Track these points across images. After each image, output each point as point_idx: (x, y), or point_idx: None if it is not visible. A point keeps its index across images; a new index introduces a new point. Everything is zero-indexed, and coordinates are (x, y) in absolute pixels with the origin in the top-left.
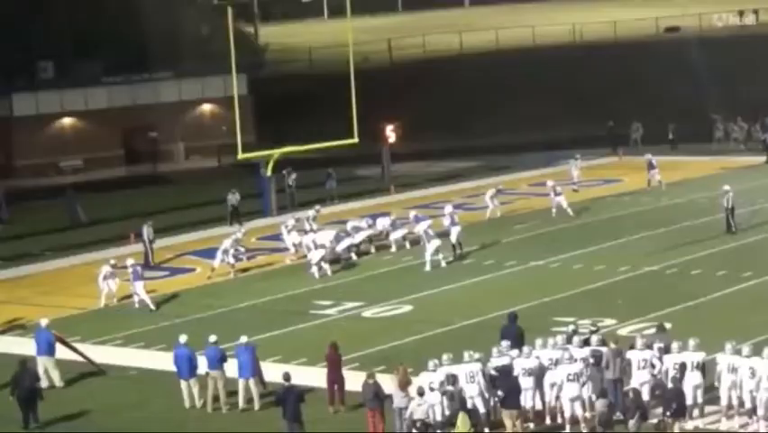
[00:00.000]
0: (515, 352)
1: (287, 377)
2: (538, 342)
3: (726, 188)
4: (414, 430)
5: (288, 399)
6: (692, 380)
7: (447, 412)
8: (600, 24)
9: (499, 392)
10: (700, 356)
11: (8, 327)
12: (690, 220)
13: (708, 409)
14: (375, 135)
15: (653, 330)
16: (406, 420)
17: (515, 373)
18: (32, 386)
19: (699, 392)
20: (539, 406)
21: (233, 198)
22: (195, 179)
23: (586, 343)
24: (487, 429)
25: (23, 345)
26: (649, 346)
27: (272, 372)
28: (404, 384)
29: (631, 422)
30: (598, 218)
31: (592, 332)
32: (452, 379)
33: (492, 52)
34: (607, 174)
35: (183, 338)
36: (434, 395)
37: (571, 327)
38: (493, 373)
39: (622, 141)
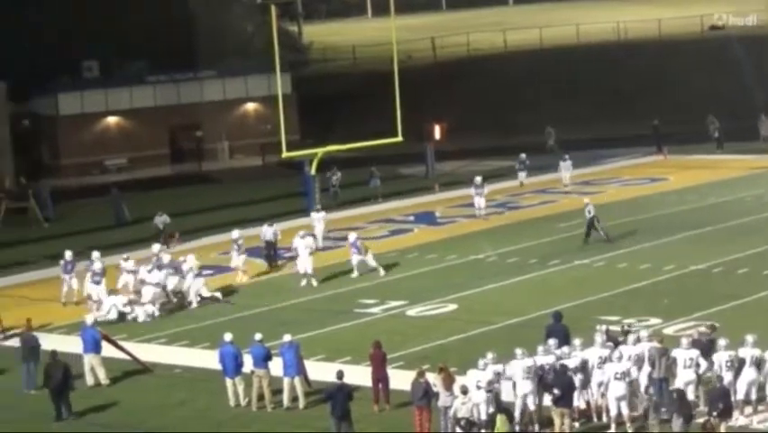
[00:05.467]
0: (560, 351)
1: (340, 375)
2: (577, 342)
3: (586, 201)
4: (458, 429)
5: (338, 396)
6: (748, 376)
7: (491, 411)
8: (644, 23)
9: (555, 391)
10: (758, 352)
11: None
12: (736, 219)
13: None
14: (419, 134)
15: (703, 328)
16: (450, 419)
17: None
18: (63, 377)
19: (754, 389)
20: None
21: (161, 219)
22: (239, 177)
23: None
24: (537, 426)
25: (70, 343)
26: (695, 344)
27: (317, 370)
28: (448, 383)
29: (675, 422)
30: (644, 217)
31: (625, 332)
32: (498, 377)
33: (536, 50)
34: (652, 173)
35: (228, 336)
36: (479, 393)
37: (604, 327)
38: (547, 368)
39: (667, 139)
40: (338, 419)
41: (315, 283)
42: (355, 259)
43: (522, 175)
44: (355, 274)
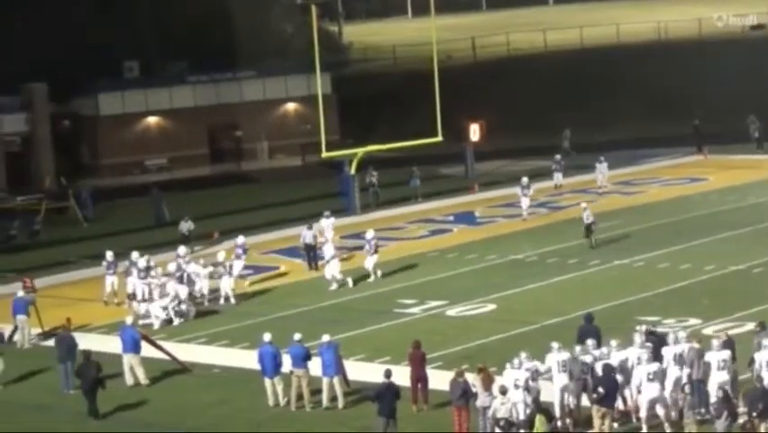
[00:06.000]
0: (599, 351)
1: (388, 374)
2: (613, 342)
3: (584, 204)
4: (497, 429)
5: (387, 395)
6: None
7: (528, 411)
8: (685, 22)
9: (600, 389)
10: None
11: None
12: None
13: None
14: (459, 133)
15: (754, 327)
16: (489, 419)
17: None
18: (96, 376)
19: None
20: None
21: (186, 226)
22: (278, 177)
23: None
24: (569, 420)
25: (110, 343)
26: (725, 345)
27: (357, 370)
28: (487, 383)
29: (719, 422)
30: (684, 217)
31: (650, 332)
32: (535, 375)
33: (576, 50)
34: (692, 173)
35: (267, 336)
36: (517, 393)
37: (644, 327)
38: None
39: (707, 139)
40: (386, 418)
41: (350, 284)
42: (369, 261)
43: (558, 176)
44: (379, 274)
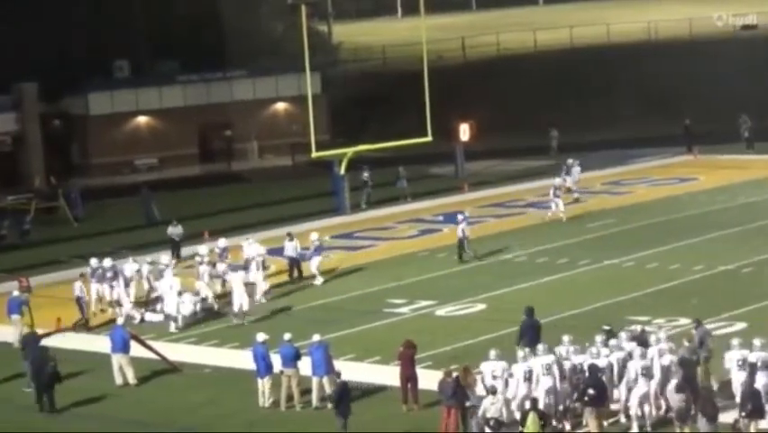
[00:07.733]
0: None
1: (338, 374)
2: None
3: (461, 217)
4: (487, 429)
5: (347, 394)
6: (761, 379)
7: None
8: (676, 22)
9: (590, 391)
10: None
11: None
12: (765, 219)
13: None
14: (448, 133)
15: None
16: (478, 419)
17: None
18: (51, 371)
19: None
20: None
21: (175, 231)
22: (269, 177)
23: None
24: (554, 422)
25: (98, 342)
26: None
27: (346, 370)
28: (470, 384)
29: (701, 422)
30: (674, 217)
31: (642, 331)
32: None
33: (566, 50)
34: (682, 173)
35: (261, 336)
36: (498, 383)
37: (639, 327)
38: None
39: (698, 139)
40: (345, 417)
41: (246, 321)
42: (314, 263)
43: (568, 179)
44: (321, 280)
